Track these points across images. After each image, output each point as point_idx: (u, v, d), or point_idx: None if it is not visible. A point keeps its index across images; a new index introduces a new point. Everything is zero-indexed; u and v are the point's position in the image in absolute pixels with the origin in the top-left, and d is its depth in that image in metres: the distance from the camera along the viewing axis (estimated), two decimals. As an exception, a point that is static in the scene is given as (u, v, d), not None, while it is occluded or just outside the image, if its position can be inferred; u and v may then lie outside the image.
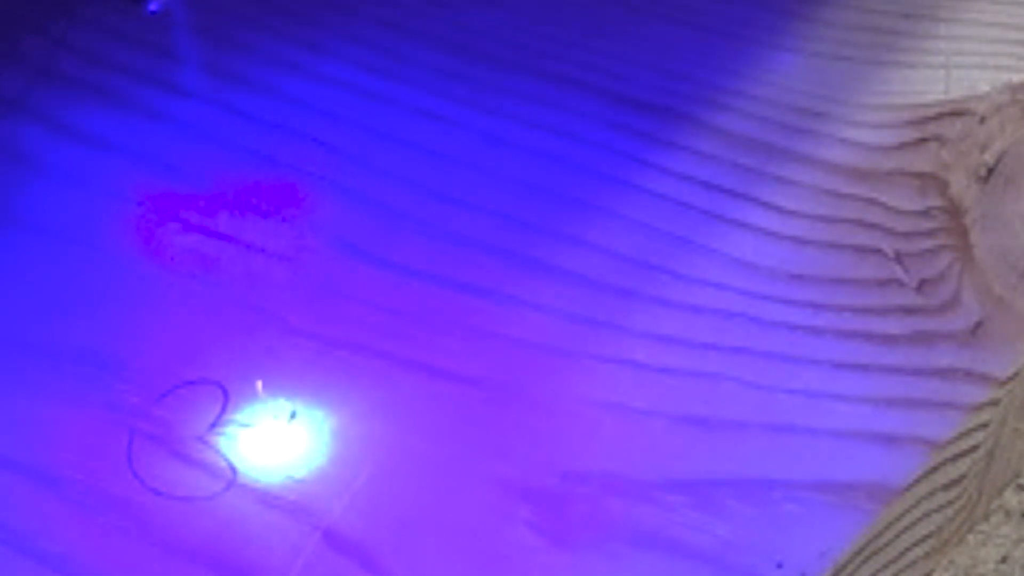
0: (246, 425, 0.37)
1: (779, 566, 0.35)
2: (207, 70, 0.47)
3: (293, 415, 0.37)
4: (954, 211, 0.42)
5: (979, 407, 0.38)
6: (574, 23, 0.48)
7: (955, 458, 0.38)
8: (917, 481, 0.37)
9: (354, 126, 0.45)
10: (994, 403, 0.38)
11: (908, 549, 0.38)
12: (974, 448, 0.38)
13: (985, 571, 0.40)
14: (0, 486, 0.36)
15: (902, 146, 0.44)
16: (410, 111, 0.45)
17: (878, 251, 0.41)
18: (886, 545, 0.37)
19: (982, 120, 0.44)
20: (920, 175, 0.43)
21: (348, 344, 0.39)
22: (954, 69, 0.46)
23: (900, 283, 0.41)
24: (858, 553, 0.36)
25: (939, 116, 0.44)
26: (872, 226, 0.42)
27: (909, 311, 0.40)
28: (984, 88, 0.45)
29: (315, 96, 0.46)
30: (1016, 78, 0.45)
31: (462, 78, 0.46)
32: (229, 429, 0.37)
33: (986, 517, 0.42)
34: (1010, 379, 0.39)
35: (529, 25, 0.48)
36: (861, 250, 0.41)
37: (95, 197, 0.43)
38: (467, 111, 0.45)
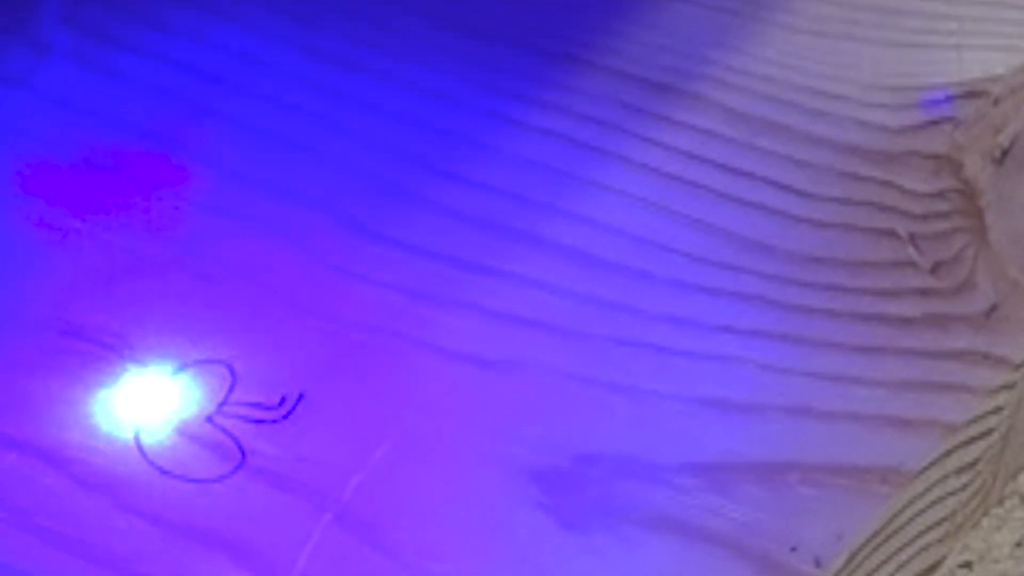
0: (255, 405, 0.37)
1: (793, 549, 0.35)
2: (215, 47, 0.47)
3: (301, 396, 0.37)
4: (969, 193, 0.42)
5: (994, 390, 0.38)
6: (585, 3, 0.48)
7: (969, 442, 0.38)
8: (931, 465, 0.37)
9: (356, 103, 0.45)
10: (1009, 387, 0.38)
11: (922, 533, 0.38)
12: (989, 432, 0.38)
13: (1000, 555, 0.40)
14: (6, 465, 0.36)
15: (916, 127, 0.44)
16: (413, 90, 0.45)
17: (893, 233, 0.41)
18: (900, 529, 0.37)
19: (996, 102, 0.44)
20: (934, 157, 0.43)
21: (358, 324, 0.39)
22: (968, 50, 0.45)
23: (915, 265, 0.40)
24: (873, 537, 0.36)
25: (953, 97, 0.44)
26: (887, 208, 0.42)
27: (924, 293, 0.40)
28: (999, 69, 0.44)
29: (321, 76, 0.46)
30: (1031, 59, 0.45)
31: (462, 55, 0.46)
32: (237, 410, 0.37)
33: (1001, 501, 0.41)
34: (1025, 362, 0.39)
35: (532, 2, 0.48)
36: (876, 232, 0.41)
37: (100, 175, 0.43)
38: (471, 89, 0.45)
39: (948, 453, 0.37)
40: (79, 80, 0.46)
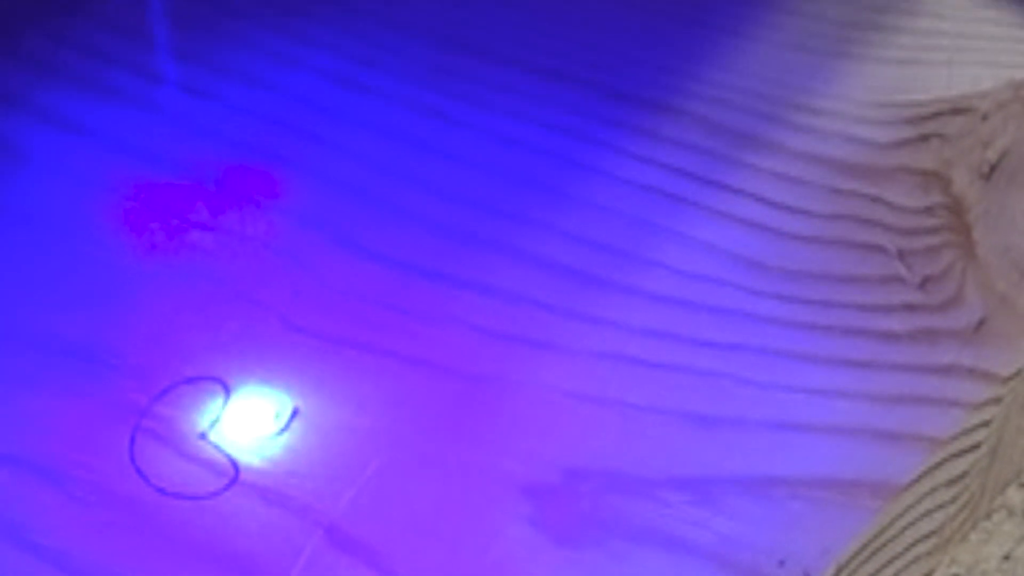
0: (248, 422, 0.37)
1: (781, 563, 0.35)
2: (207, 65, 0.47)
3: (295, 412, 0.37)
4: (957, 208, 0.42)
5: (981, 404, 0.38)
6: (569, 18, 0.48)
7: (957, 455, 0.38)
8: (919, 478, 0.37)
9: (352, 122, 0.45)
10: (996, 400, 0.38)
11: (910, 546, 0.38)
12: (976, 445, 0.38)
13: (987, 568, 0.40)
14: (1, 482, 0.36)
15: (905, 143, 0.44)
16: (407, 107, 0.45)
17: (881, 248, 0.41)
18: (888, 542, 0.37)
19: (984, 117, 0.44)
20: (923, 172, 0.43)
21: (349, 341, 0.39)
22: (957, 66, 0.46)
23: (903, 280, 0.41)
24: (860, 551, 0.36)
25: (941, 113, 0.44)
26: (875, 223, 0.42)
27: (912, 308, 0.40)
28: (986, 85, 0.45)
29: (314, 92, 0.46)
30: (1019, 75, 0.45)
31: (456, 74, 0.46)
32: (231, 426, 0.37)
33: (988, 515, 0.42)
34: (1012, 376, 0.39)
35: (521, 20, 0.48)
36: (864, 247, 0.41)
37: (94, 191, 0.43)
38: (464, 107, 0.45)
39: (936, 467, 0.37)
40: (76, 100, 0.46)
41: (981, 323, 0.40)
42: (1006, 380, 0.39)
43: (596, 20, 0.48)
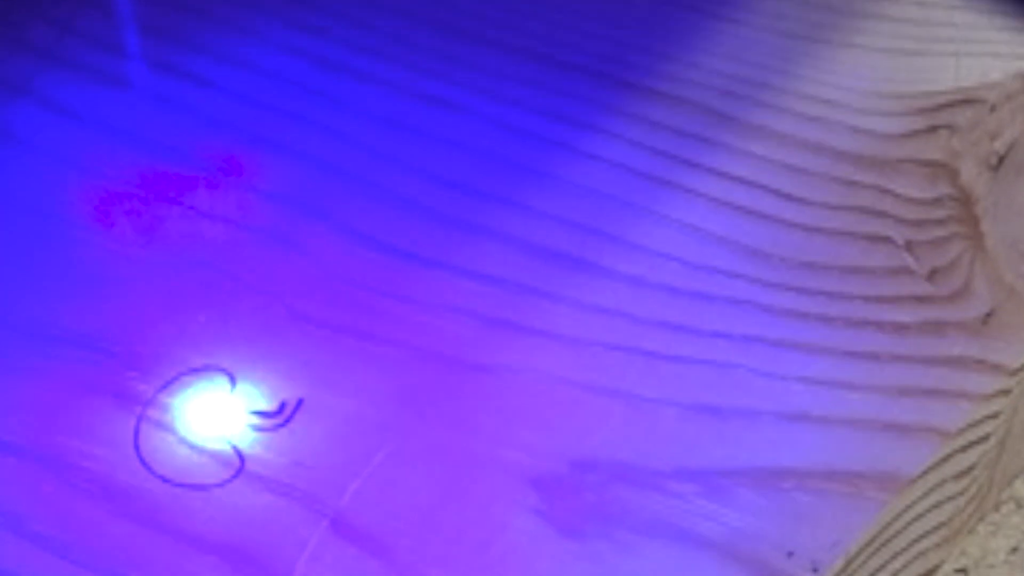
0: (253, 412, 0.37)
1: (790, 555, 0.35)
2: (209, 53, 0.47)
3: (300, 402, 0.37)
4: (965, 200, 0.42)
5: (990, 396, 0.38)
6: (564, 5, 0.48)
7: (965, 448, 0.38)
8: (927, 471, 0.37)
9: (352, 109, 0.45)
10: (1005, 392, 0.38)
11: (918, 539, 0.38)
12: (985, 437, 0.38)
13: (995, 562, 0.40)
14: (4, 471, 0.36)
15: (912, 134, 0.44)
16: (405, 94, 0.45)
17: (889, 240, 0.41)
18: (896, 535, 0.37)
19: (993, 108, 0.44)
20: (931, 163, 0.43)
21: (356, 331, 0.39)
22: (965, 57, 0.46)
23: (911, 272, 0.40)
24: (869, 543, 0.36)
25: (950, 104, 0.44)
26: (883, 214, 0.42)
27: (920, 300, 0.40)
28: (995, 76, 0.45)
29: (314, 79, 0.46)
30: (1028, 66, 0.45)
31: (453, 60, 0.46)
32: (236, 416, 0.37)
33: (997, 507, 0.42)
34: (1021, 368, 0.39)
35: (513, 5, 0.48)
36: (872, 239, 0.41)
37: (97, 180, 0.43)
38: (464, 93, 0.45)
39: (944, 459, 0.37)
40: (78, 88, 0.46)
41: (989, 315, 0.40)
42: (1015, 372, 0.39)
43: (593, 6, 0.48)
